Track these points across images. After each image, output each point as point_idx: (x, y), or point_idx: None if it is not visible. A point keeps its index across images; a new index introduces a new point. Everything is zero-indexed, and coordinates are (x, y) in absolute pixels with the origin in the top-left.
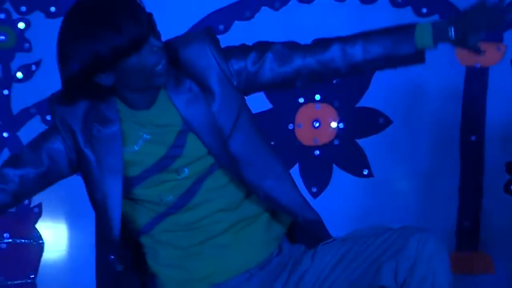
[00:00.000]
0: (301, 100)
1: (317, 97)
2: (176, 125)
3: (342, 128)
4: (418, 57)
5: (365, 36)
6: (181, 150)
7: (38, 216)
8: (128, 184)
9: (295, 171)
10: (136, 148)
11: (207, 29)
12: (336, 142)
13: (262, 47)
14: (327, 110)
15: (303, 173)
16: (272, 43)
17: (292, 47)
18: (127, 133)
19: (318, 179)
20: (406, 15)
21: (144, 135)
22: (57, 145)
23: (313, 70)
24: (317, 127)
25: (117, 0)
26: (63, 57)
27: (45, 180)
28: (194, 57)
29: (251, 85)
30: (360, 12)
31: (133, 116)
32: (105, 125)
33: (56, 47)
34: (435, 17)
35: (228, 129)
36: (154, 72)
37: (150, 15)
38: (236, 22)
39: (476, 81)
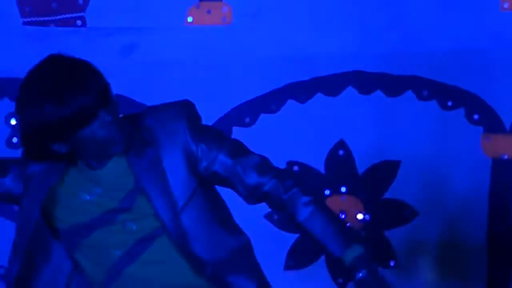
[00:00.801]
0: (327, 192)
1: (343, 189)
2: (128, 183)
3: (369, 220)
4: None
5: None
6: (130, 205)
7: None
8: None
9: (321, 262)
10: (87, 197)
11: (188, 103)
12: (362, 234)
13: (237, 152)
14: (353, 202)
15: (329, 264)
16: (249, 154)
17: (262, 171)
18: (73, 185)
19: (344, 271)
20: (431, 108)
21: (95, 189)
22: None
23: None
24: (343, 218)
25: (67, 69)
26: (19, 121)
27: None
28: (161, 126)
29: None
30: (386, 105)
31: (84, 174)
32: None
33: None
34: (461, 110)
35: (182, 203)
36: (108, 143)
37: (106, 85)
38: (262, 115)
39: (503, 172)
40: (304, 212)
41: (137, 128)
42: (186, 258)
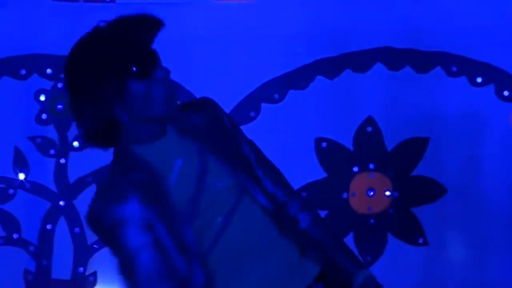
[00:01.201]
0: (355, 169)
1: (371, 166)
2: (191, 146)
3: (397, 197)
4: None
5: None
6: (206, 166)
7: (93, 284)
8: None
9: (349, 239)
10: (177, 171)
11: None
12: (390, 211)
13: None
14: (382, 179)
15: (357, 241)
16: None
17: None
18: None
19: (372, 248)
20: (460, 84)
21: (178, 161)
22: None
23: None
24: (372, 195)
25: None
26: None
27: None
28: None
29: None
30: (415, 82)
31: (161, 153)
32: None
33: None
34: (491, 86)
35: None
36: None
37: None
38: (290, 91)
39: None
40: (308, 219)
41: None
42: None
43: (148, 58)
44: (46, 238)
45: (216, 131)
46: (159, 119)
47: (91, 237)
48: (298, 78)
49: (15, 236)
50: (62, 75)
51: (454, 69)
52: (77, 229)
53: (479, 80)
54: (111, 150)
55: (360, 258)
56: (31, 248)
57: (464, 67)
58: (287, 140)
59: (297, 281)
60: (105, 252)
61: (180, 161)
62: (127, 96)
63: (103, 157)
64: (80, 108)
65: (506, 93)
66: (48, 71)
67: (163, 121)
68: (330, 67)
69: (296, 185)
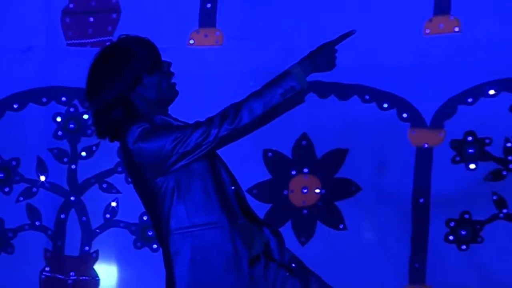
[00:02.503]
0: (293, 172)
1: (305, 170)
2: None
3: (324, 193)
4: (300, 97)
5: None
6: None
7: (95, 259)
8: None
9: (288, 226)
10: None
11: None
12: (319, 204)
13: None
14: (313, 180)
15: (294, 227)
16: None
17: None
18: None
19: (306, 232)
20: (371, 109)
21: None
22: None
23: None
24: (305, 192)
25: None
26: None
27: None
28: None
29: None
30: (338, 107)
31: None
32: None
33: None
34: (394, 110)
35: None
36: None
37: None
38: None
39: (424, 157)
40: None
41: None
42: None
43: (157, 56)
44: (60, 225)
45: None
46: (166, 101)
47: (95, 223)
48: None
49: (37, 223)
50: (74, 102)
51: (367, 97)
52: (84, 218)
53: (385, 105)
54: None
55: (297, 239)
56: (49, 232)
57: (374, 95)
58: (243, 151)
59: (261, 239)
60: (104, 235)
61: None
62: (142, 86)
63: (103, 164)
64: (104, 101)
65: (405, 115)
66: (63, 99)
67: (169, 103)
68: None
69: (248, 185)
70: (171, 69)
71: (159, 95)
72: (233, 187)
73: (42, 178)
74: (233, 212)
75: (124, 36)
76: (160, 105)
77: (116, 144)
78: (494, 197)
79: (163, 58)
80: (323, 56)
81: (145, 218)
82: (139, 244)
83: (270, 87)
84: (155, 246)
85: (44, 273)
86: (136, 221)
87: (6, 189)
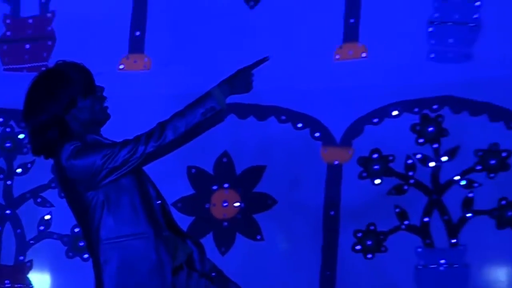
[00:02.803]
0: (215, 187)
1: (226, 185)
2: None
3: (243, 207)
4: (219, 116)
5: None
6: None
7: (29, 268)
8: None
9: (209, 237)
10: None
11: None
12: (239, 216)
13: None
14: (233, 194)
15: (215, 238)
16: None
17: None
18: None
19: (226, 242)
20: (287, 129)
21: None
22: None
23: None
24: (226, 206)
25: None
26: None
27: None
28: None
29: None
30: (256, 127)
31: None
32: None
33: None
34: (307, 130)
35: None
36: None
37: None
38: None
39: (334, 173)
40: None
41: None
42: None
43: (91, 81)
44: None
45: None
46: (99, 123)
47: (29, 235)
48: None
49: None
50: (11, 122)
51: (283, 117)
52: (19, 230)
53: (299, 125)
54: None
55: (217, 250)
56: None
57: (289, 116)
58: (168, 167)
59: (184, 250)
60: (38, 245)
61: None
62: (77, 109)
63: (38, 179)
64: (40, 122)
65: (317, 134)
66: (0, 120)
67: (101, 124)
68: None
69: (173, 199)
70: (104, 94)
71: (92, 117)
72: (158, 201)
73: None
74: (158, 224)
75: (61, 61)
76: (93, 126)
77: (50, 161)
78: (397, 210)
79: (96, 83)
80: (241, 79)
81: (76, 230)
82: (71, 254)
83: (192, 107)
84: (86, 255)
85: None
86: (68, 232)
87: None
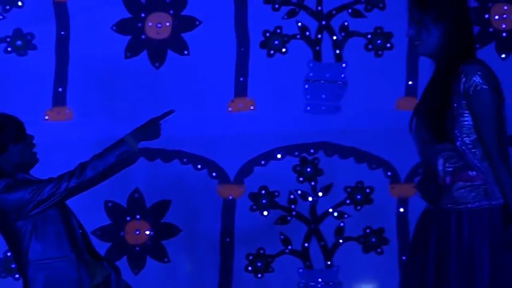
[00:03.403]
0: (128, 218)
1: (138, 216)
2: None
3: (153, 235)
4: (132, 158)
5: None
6: None
7: None
8: None
9: (124, 260)
10: None
11: None
12: (148, 242)
13: None
14: (144, 224)
15: (129, 261)
16: None
17: None
18: None
19: (138, 264)
20: (189, 170)
21: None
22: None
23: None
24: (138, 234)
25: None
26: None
27: None
28: None
29: None
30: (164, 168)
31: None
32: None
33: None
34: (205, 170)
35: None
36: None
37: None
38: None
39: (229, 206)
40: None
41: None
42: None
43: (22, 130)
44: None
45: None
46: (28, 165)
47: None
48: None
49: None
50: None
51: (185, 160)
52: None
53: (199, 166)
54: None
55: (131, 270)
56: None
57: (191, 159)
58: (89, 201)
59: (102, 272)
60: None
61: None
62: (8, 153)
63: None
64: None
65: (214, 174)
66: None
67: (30, 166)
68: None
69: (93, 228)
70: (34, 141)
71: (22, 160)
72: (80, 230)
73: None
74: (80, 249)
75: None
76: (23, 167)
77: None
78: (282, 237)
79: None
80: (151, 128)
81: (8, 254)
82: (3, 274)
83: (109, 150)
84: (16, 276)
85: None
86: (1, 256)
87: None
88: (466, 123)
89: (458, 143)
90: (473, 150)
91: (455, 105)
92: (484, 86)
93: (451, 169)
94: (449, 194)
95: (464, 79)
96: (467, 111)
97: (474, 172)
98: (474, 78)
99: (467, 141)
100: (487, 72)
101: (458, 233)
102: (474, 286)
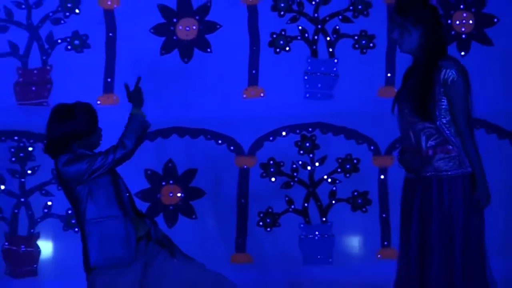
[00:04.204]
0: (163, 183)
1: (171, 181)
2: None
3: (183, 197)
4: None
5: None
6: None
7: (37, 237)
8: None
9: (160, 218)
10: None
11: None
12: (180, 203)
13: None
14: (176, 187)
15: (164, 218)
16: None
17: None
18: None
19: (172, 220)
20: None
21: None
22: None
23: None
24: (171, 196)
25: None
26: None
27: None
28: None
29: None
30: None
31: None
32: None
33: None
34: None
35: None
36: None
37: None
38: None
39: (244, 174)
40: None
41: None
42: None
43: (96, 120)
44: (14, 216)
45: None
46: (92, 146)
47: (37, 215)
48: None
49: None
50: (23, 139)
51: (209, 136)
52: (30, 212)
53: (220, 141)
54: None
55: (166, 225)
56: (7, 221)
57: (213, 136)
58: (131, 170)
59: (144, 227)
60: (43, 222)
61: None
62: (91, 137)
63: (41, 178)
64: (57, 137)
65: (232, 147)
66: (15, 137)
67: (93, 148)
68: None
69: (136, 191)
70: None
71: (96, 143)
72: (126, 193)
73: (2, 187)
74: (126, 208)
75: (80, 102)
76: (88, 147)
77: (51, 164)
78: (286, 198)
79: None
80: (138, 96)
81: (69, 211)
82: (65, 228)
83: (130, 124)
84: (76, 229)
85: (4, 246)
86: (64, 213)
87: None
88: (443, 106)
89: (438, 123)
90: (449, 128)
91: (436, 91)
92: (459, 78)
93: (433, 143)
94: (430, 164)
95: (444, 71)
96: (444, 97)
97: (451, 146)
98: (452, 71)
99: (444, 121)
100: (460, 67)
101: (439, 198)
102: (453, 246)
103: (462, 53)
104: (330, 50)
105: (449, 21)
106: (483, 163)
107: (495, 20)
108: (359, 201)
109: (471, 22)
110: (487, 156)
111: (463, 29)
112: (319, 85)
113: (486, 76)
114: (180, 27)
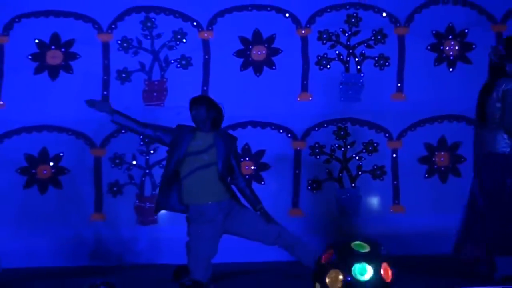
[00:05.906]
0: (241, 159)
1: (247, 158)
2: (210, 143)
3: (255, 168)
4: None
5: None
6: (207, 150)
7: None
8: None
9: None
10: (199, 144)
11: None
12: (253, 173)
13: None
14: (250, 162)
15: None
16: None
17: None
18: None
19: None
20: None
21: (199, 142)
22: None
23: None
24: (247, 168)
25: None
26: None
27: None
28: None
29: None
30: None
31: (196, 136)
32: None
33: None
34: None
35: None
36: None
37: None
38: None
39: (297, 153)
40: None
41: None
42: (221, 180)
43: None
44: (142, 184)
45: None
46: (209, 129)
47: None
48: None
49: (132, 182)
50: None
51: (273, 127)
52: (152, 180)
53: (281, 131)
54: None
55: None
56: (138, 186)
57: (276, 126)
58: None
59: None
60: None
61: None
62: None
63: (158, 156)
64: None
65: (289, 135)
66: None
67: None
68: None
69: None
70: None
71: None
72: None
73: (134, 162)
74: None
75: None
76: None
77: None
78: (327, 170)
79: None
80: (103, 103)
81: None
82: None
83: (121, 117)
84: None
85: (136, 203)
86: None
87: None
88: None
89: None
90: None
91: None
92: (509, 91)
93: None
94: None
95: (503, 85)
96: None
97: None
98: (508, 86)
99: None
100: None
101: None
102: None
103: (451, 69)
104: (358, 67)
105: (441, 47)
106: None
107: (474, 46)
108: (378, 172)
109: (457, 48)
110: None
111: (451, 53)
112: (350, 92)
113: (467, 86)
114: (254, 52)
